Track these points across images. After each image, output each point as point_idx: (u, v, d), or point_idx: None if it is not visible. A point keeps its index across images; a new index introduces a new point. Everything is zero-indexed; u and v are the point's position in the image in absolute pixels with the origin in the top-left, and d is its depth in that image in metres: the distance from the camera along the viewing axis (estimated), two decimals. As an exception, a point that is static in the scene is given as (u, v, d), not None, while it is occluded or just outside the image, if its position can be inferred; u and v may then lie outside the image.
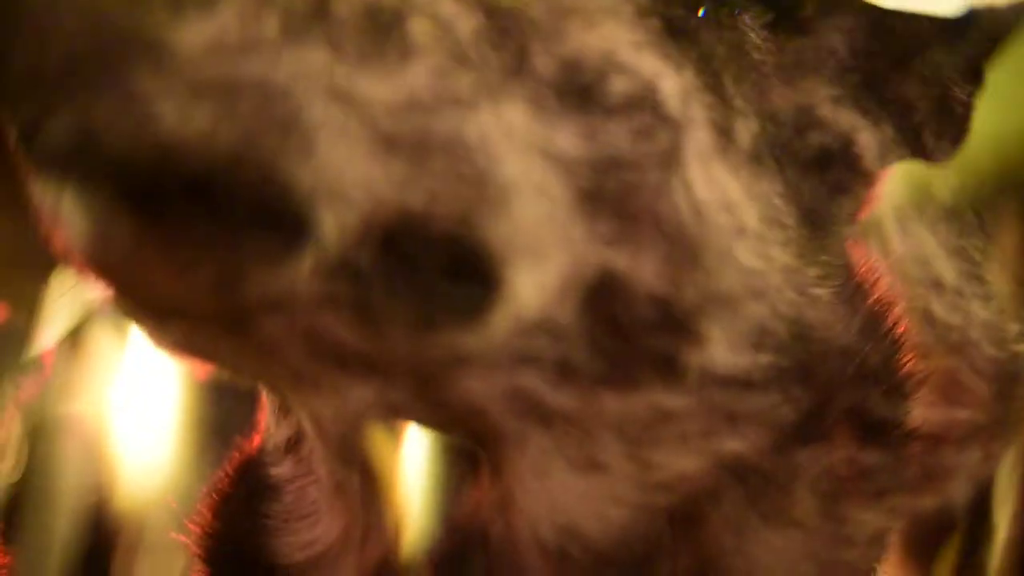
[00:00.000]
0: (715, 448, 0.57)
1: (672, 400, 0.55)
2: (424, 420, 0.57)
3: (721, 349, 0.55)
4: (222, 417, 0.93)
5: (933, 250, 0.58)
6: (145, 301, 0.50)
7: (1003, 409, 0.59)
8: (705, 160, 0.56)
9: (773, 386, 0.57)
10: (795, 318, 0.57)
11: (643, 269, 0.54)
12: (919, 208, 0.58)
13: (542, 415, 0.55)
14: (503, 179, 0.51)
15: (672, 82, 0.56)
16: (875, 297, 0.59)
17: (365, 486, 0.62)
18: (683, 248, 0.55)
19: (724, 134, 0.57)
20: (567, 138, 0.52)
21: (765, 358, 0.57)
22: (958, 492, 0.60)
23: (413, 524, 0.61)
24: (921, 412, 0.57)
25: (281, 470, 0.66)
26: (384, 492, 0.63)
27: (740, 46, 0.59)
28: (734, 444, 0.57)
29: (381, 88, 0.49)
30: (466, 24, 0.51)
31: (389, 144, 0.49)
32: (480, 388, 0.54)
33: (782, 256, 0.57)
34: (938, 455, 0.59)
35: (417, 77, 0.50)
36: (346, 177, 0.48)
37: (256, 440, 0.70)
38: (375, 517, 0.62)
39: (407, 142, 0.49)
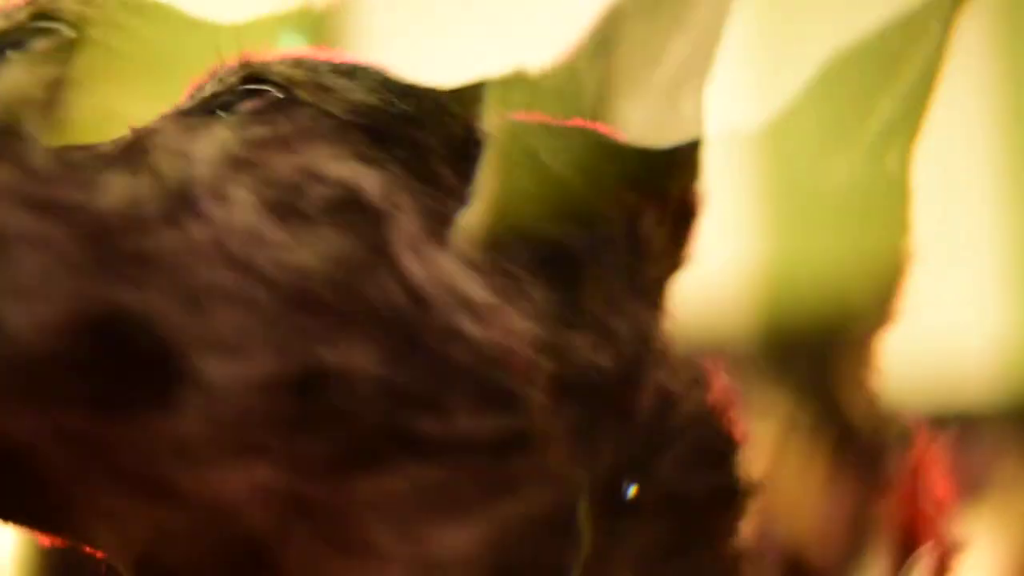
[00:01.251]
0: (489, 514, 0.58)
1: (427, 471, 0.57)
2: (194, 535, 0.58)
3: (465, 416, 0.57)
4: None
5: (458, 272, 0.58)
6: None
7: (563, 419, 0.58)
8: (416, 244, 0.58)
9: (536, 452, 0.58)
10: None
11: (361, 359, 0.56)
12: (434, 234, 0.59)
13: (299, 508, 0.56)
14: (199, 288, 0.55)
15: (373, 179, 0.58)
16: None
17: None
18: (403, 332, 0.56)
19: (437, 216, 0.59)
20: (271, 251, 0.56)
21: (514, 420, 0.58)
22: (544, 497, 0.59)
23: None
24: (471, 423, 0.57)
25: None
26: None
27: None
28: (509, 508, 0.58)
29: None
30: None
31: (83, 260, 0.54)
32: (223, 487, 0.56)
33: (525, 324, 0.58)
34: (503, 464, 0.58)
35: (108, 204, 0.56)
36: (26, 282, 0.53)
37: None
38: None
39: (105, 258, 0.55)
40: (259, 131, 0.59)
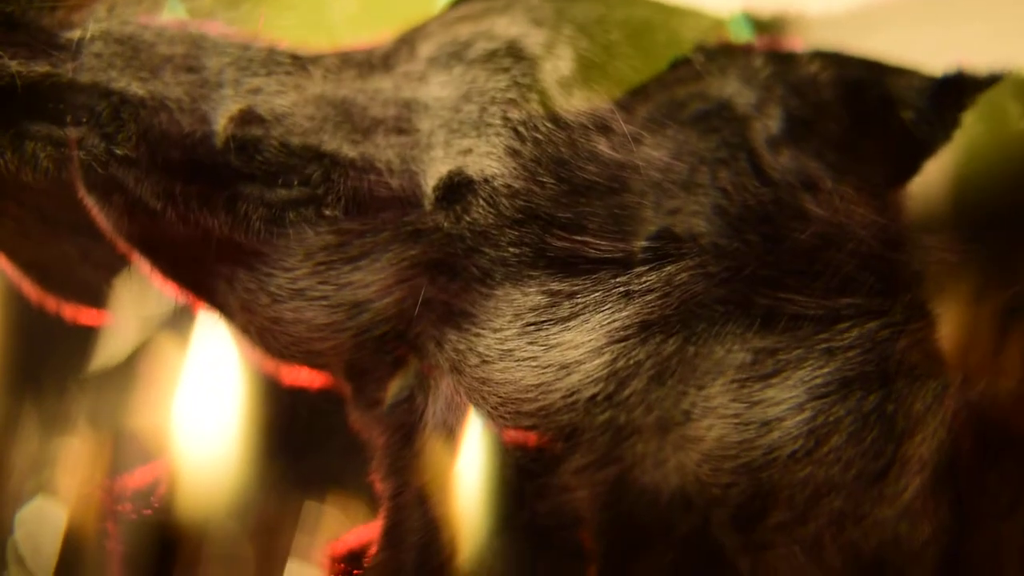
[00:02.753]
0: (609, 322, 0.64)
1: (560, 285, 0.63)
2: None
3: (593, 236, 0.64)
4: (285, 428, 0.94)
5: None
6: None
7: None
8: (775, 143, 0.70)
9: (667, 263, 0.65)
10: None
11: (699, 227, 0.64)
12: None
13: (451, 318, 0.65)
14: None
15: (746, 93, 0.70)
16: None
17: (418, 491, 0.70)
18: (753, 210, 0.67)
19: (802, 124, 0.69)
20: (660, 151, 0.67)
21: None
22: None
23: (467, 525, 0.65)
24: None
25: None
26: (436, 497, 0.67)
27: None
28: (625, 316, 0.65)
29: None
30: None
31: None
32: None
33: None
34: None
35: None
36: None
37: None
38: (427, 515, 0.70)
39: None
40: None
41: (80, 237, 0.73)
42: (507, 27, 0.67)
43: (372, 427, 0.78)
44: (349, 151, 0.64)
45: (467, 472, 0.68)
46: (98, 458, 1.07)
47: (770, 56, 0.72)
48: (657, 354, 0.63)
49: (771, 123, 0.68)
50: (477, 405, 0.66)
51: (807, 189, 0.67)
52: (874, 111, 0.71)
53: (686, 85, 0.69)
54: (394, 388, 0.74)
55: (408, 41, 0.69)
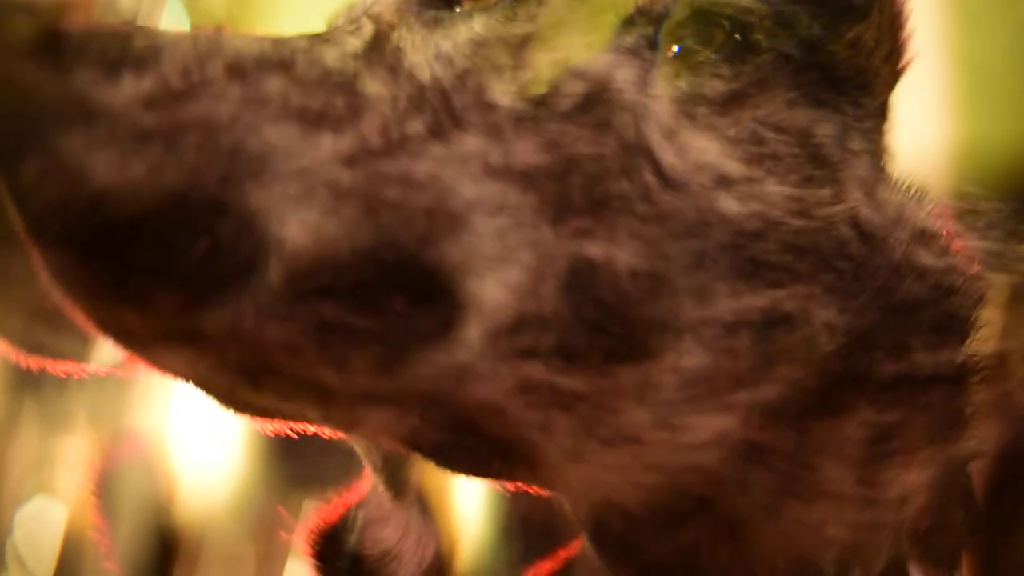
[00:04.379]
0: (745, 399, 0.57)
1: (690, 360, 0.56)
2: (449, 439, 0.58)
3: (723, 298, 0.56)
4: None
5: (711, 149, 0.58)
6: (122, 336, 0.53)
7: (826, 280, 0.58)
8: (670, 132, 0.57)
9: (797, 315, 0.57)
10: (809, 245, 0.58)
11: (620, 250, 0.55)
12: (687, 115, 0.58)
13: (560, 401, 0.56)
14: (457, 204, 0.53)
15: (626, 71, 0.58)
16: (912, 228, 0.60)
17: (419, 503, 0.67)
18: (660, 220, 0.56)
19: (691, 98, 0.58)
20: (525, 153, 0.55)
21: (780, 292, 0.57)
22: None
23: (464, 535, 0.65)
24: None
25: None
26: (435, 508, 0.66)
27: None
28: (764, 392, 0.57)
29: (332, 141, 0.52)
30: (424, 73, 0.56)
31: (339, 190, 0.52)
32: (488, 392, 0.55)
33: (779, 188, 0.58)
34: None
35: (369, 127, 0.53)
36: (294, 217, 0.51)
37: None
38: (428, 527, 0.67)
39: (358, 188, 0.52)
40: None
41: None
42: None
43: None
44: None
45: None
46: (97, 457, 1.07)
47: None
48: None
49: (864, 168, 0.61)
50: None
51: (921, 242, 0.59)
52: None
53: None
54: None
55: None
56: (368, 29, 0.58)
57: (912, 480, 0.59)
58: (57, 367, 0.63)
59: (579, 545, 0.64)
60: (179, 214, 0.49)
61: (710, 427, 0.57)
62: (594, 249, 0.55)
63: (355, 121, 0.53)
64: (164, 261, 0.50)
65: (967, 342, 0.60)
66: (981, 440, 0.60)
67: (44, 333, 0.58)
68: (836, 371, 0.57)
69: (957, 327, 0.60)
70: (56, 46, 0.50)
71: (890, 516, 0.60)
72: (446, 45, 0.58)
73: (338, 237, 0.52)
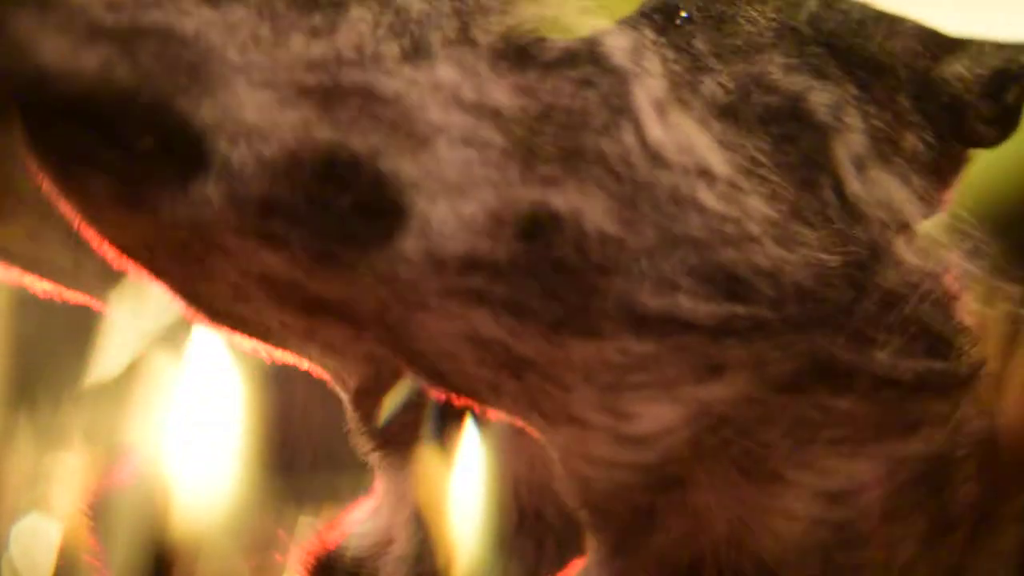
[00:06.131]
0: (693, 395, 0.56)
1: (641, 346, 0.55)
2: (415, 371, 0.58)
3: (683, 296, 0.55)
4: (281, 443, 0.93)
5: (699, 140, 0.56)
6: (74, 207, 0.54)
7: (792, 312, 0.56)
8: (661, 106, 0.56)
9: (754, 336, 0.56)
10: (778, 273, 0.56)
11: (589, 209, 0.54)
12: (683, 102, 0.56)
13: (511, 364, 0.55)
14: (421, 126, 0.54)
15: (619, 38, 0.57)
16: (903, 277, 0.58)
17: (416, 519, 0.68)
18: (635, 187, 0.55)
19: (687, 86, 0.57)
20: (501, 94, 0.55)
21: (741, 308, 0.56)
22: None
23: (460, 540, 0.64)
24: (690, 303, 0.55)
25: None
26: (431, 524, 0.66)
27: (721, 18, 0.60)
28: (715, 391, 0.56)
29: (304, 45, 0.53)
30: (413, 5, 0.56)
31: (301, 91, 0.53)
32: (441, 329, 0.55)
33: (763, 208, 0.56)
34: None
35: (345, 40, 0.54)
36: (251, 117, 0.52)
37: None
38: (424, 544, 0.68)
39: (321, 90, 0.53)
40: None
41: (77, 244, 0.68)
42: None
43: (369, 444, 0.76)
44: None
45: (462, 489, 0.68)
46: (93, 474, 1.06)
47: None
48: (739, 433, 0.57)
49: (853, 137, 0.59)
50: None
51: (898, 228, 0.58)
52: (940, 112, 0.62)
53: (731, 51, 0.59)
54: (387, 404, 0.72)
55: None
56: None
57: (858, 472, 0.57)
58: (58, 289, 0.65)
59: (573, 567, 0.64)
60: (124, 108, 0.50)
61: (657, 418, 0.55)
62: (560, 200, 0.54)
63: (331, 34, 0.54)
64: (103, 149, 0.51)
65: (932, 354, 0.59)
66: (940, 445, 0.60)
67: (45, 249, 0.61)
68: (798, 352, 0.56)
69: (925, 336, 0.59)
70: None
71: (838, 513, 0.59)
72: None
73: (293, 137, 0.52)
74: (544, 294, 0.54)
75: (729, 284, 0.55)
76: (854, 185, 0.57)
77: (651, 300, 0.54)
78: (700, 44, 0.58)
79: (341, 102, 0.52)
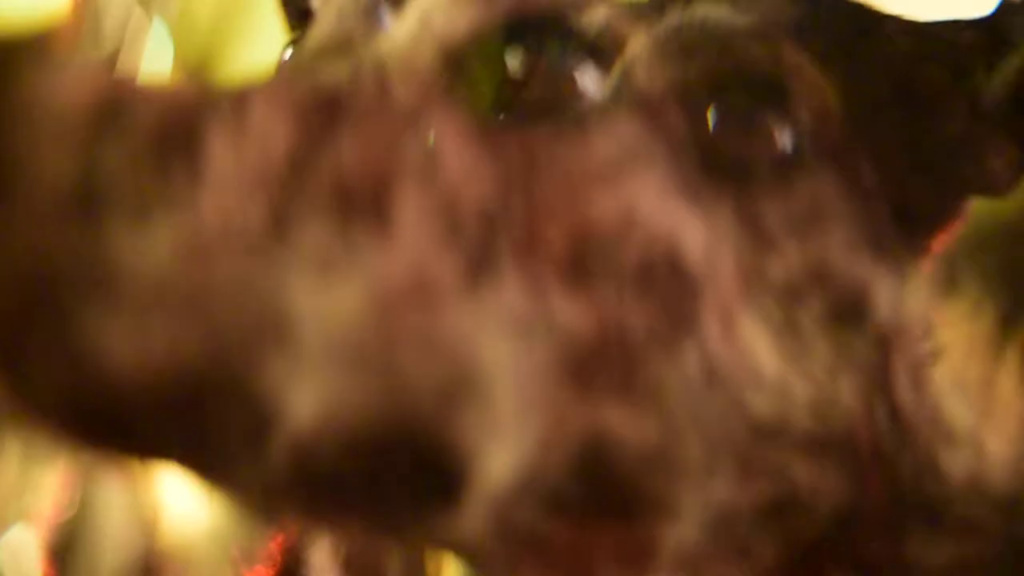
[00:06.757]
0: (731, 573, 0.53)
1: (679, 532, 0.51)
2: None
3: (724, 483, 0.51)
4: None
5: (756, 340, 0.50)
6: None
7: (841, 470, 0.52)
8: (727, 318, 0.49)
9: (801, 503, 0.52)
10: (822, 447, 0.52)
11: (639, 428, 0.48)
12: (749, 299, 0.49)
13: (535, 543, 0.50)
14: (478, 367, 0.44)
15: (696, 233, 0.49)
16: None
17: None
18: (688, 411, 0.49)
19: (755, 274, 0.50)
20: (569, 315, 0.46)
21: (784, 486, 0.52)
22: None
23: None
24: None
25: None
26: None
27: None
28: (754, 567, 0.53)
29: (352, 289, 0.42)
30: (468, 197, 0.45)
31: (357, 352, 0.43)
32: (471, 535, 0.49)
33: (807, 390, 0.51)
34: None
35: (395, 265, 0.43)
36: (312, 385, 0.42)
37: None
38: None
39: (375, 349, 0.43)
40: None
41: None
42: None
43: None
44: None
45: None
46: (79, 484, 1.06)
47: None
48: None
49: (913, 344, 0.51)
50: None
51: (945, 441, 0.53)
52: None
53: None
54: None
55: None
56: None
57: None
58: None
59: None
60: (193, 401, 0.41)
61: None
62: (611, 422, 0.47)
63: (380, 257, 0.43)
64: (165, 438, 0.43)
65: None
66: None
67: None
68: (823, 542, 0.53)
69: (964, 534, 0.54)
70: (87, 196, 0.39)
71: None
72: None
73: (351, 411, 0.42)
74: (584, 493, 0.49)
75: (772, 466, 0.50)
76: (908, 404, 0.52)
77: (690, 495, 0.50)
78: (768, 212, 0.50)
79: (394, 362, 0.44)
